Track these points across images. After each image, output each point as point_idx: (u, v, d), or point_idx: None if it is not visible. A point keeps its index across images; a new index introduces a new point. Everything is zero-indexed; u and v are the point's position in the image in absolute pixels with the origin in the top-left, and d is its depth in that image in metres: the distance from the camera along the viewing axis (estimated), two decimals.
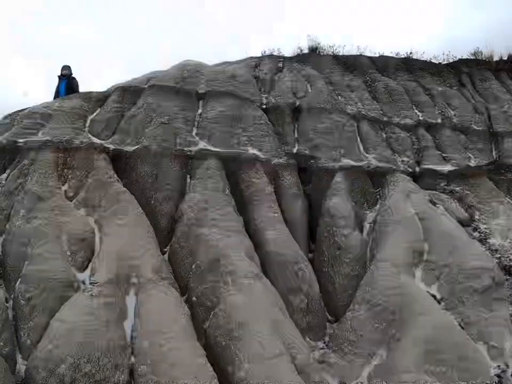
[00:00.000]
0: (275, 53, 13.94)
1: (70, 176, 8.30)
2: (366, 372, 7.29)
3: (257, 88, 11.64)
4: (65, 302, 6.51)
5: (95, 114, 9.88)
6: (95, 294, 6.35)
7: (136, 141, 9.21)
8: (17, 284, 6.90)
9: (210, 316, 7.01)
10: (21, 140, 8.70)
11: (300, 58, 13.67)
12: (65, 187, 8.15)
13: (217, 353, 6.65)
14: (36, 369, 5.90)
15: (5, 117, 10.03)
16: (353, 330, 7.76)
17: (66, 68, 12.59)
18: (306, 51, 14.12)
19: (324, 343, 8.02)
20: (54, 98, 11.61)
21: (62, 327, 6.06)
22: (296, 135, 10.75)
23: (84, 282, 6.85)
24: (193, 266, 7.65)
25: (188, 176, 8.95)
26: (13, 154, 8.57)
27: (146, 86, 10.35)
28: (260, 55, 13.90)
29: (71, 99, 10.20)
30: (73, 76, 12.58)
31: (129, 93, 10.22)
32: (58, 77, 12.54)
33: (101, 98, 10.32)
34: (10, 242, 7.29)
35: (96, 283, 6.54)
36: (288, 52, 14.37)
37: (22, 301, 6.65)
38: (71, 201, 8.00)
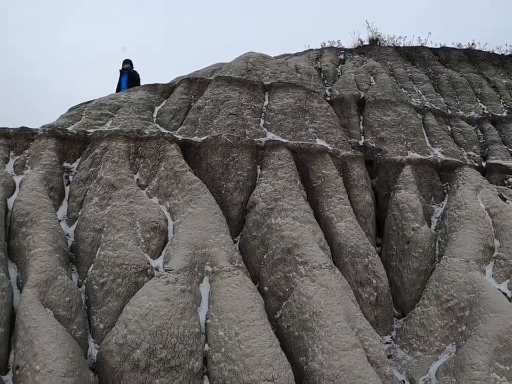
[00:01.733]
0: (335, 45, 13.88)
1: (141, 165, 8.41)
2: (434, 368, 7.09)
3: (320, 80, 11.57)
4: (139, 287, 6.50)
5: (162, 105, 10.05)
6: (171, 281, 6.31)
7: (204, 131, 9.28)
8: (90, 269, 6.98)
9: (282, 306, 6.95)
10: (90, 130, 8.86)
11: (361, 50, 13.54)
12: (137, 176, 8.25)
13: (288, 344, 6.58)
14: (110, 353, 5.87)
15: (71, 109, 10.29)
16: (422, 325, 7.57)
17: (127, 62, 12.87)
18: (366, 43, 14.01)
19: (391, 337, 7.90)
20: (116, 92, 11.86)
21: (137, 313, 6.00)
22: (361, 128, 10.67)
23: (157, 269, 6.88)
24: (265, 256, 7.61)
25: (258, 166, 8.93)
26: (83, 144, 8.71)
27: (212, 78, 10.44)
28: (319, 47, 13.88)
29: (137, 91, 10.39)
30: (134, 69, 12.85)
31: (195, 84, 10.35)
32: (120, 71, 12.81)
33: (166, 90, 10.50)
34: (83, 229, 7.37)
35: (171, 270, 6.54)
36: (347, 43, 14.31)
37: (95, 286, 6.70)
38: (144, 189, 8.08)
